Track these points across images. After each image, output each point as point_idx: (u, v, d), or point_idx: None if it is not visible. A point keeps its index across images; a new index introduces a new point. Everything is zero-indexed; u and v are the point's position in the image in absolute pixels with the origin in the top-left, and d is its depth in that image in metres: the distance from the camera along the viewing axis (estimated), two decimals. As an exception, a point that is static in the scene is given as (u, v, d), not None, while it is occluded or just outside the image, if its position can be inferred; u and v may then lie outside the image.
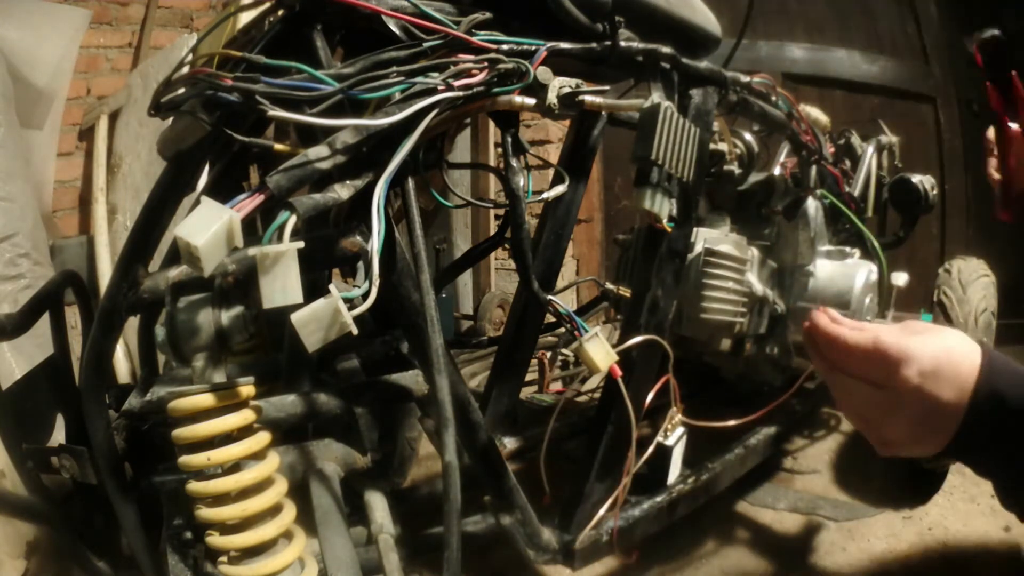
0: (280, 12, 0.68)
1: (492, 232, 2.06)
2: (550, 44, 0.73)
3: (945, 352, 0.49)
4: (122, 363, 1.92)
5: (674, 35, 0.92)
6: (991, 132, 0.86)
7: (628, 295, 1.07)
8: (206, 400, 0.55)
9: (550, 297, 0.78)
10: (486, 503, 0.85)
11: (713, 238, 1.14)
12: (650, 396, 0.90)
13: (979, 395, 0.49)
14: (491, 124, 2.51)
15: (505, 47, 0.70)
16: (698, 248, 1.11)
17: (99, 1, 2.23)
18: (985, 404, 0.49)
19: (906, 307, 1.31)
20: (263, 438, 0.59)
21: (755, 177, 1.33)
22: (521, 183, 0.76)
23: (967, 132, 2.58)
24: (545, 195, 0.87)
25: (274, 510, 0.59)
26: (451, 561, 0.58)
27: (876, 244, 1.46)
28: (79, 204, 2.25)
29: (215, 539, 0.57)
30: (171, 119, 0.70)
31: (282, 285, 0.51)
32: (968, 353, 0.50)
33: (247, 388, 0.58)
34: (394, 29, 0.66)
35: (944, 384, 0.49)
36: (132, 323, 0.78)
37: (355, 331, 0.53)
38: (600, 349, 0.75)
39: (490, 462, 0.79)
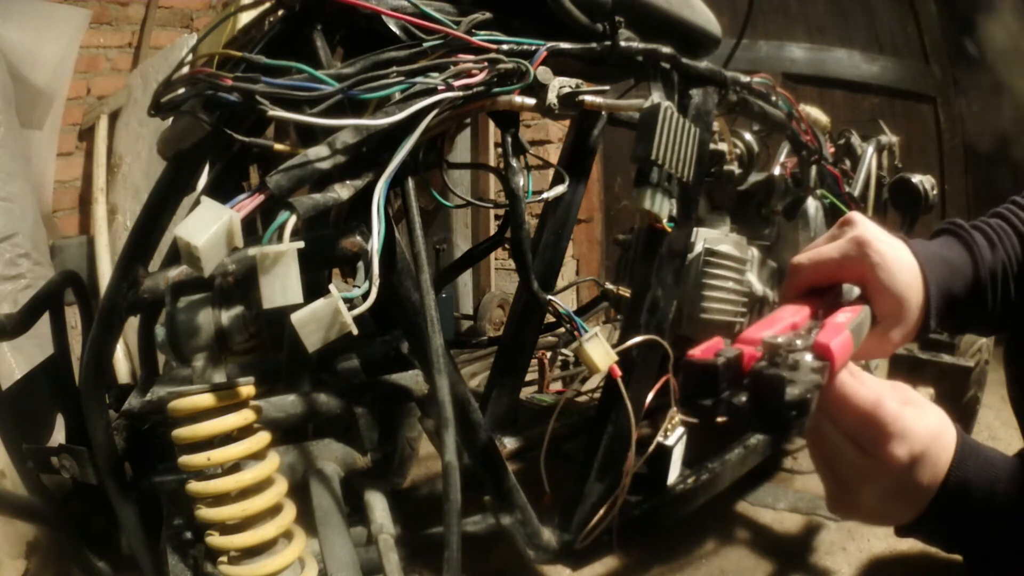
0: (280, 12, 0.68)
1: (492, 232, 2.06)
2: (550, 44, 0.73)
3: (932, 437, 0.47)
4: (122, 363, 1.92)
5: (674, 35, 0.92)
6: None
7: (628, 295, 1.07)
8: (206, 400, 0.55)
9: (550, 297, 0.78)
10: (486, 503, 0.85)
11: (713, 238, 1.14)
12: (650, 396, 0.90)
13: (948, 484, 0.48)
14: (491, 124, 2.51)
15: (505, 47, 0.70)
16: (698, 248, 1.11)
17: (99, 1, 2.23)
18: (953, 492, 0.48)
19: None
20: (263, 438, 0.59)
21: (755, 177, 1.33)
22: (521, 183, 0.76)
23: (967, 132, 2.58)
24: (545, 195, 0.87)
25: (274, 510, 0.59)
26: (451, 561, 0.58)
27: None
28: (79, 204, 2.25)
29: (215, 539, 0.57)
30: (171, 119, 0.70)
31: (282, 285, 0.51)
32: (948, 441, 0.49)
33: (247, 388, 0.58)
34: (394, 29, 0.66)
35: (925, 469, 0.47)
36: (132, 323, 0.78)
37: (355, 331, 0.53)
38: (600, 349, 0.75)
39: (490, 462, 0.79)
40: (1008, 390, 0.72)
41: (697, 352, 0.38)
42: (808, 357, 0.39)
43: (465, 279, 2.71)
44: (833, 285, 0.59)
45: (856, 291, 0.59)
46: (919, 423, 0.47)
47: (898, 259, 0.57)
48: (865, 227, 0.58)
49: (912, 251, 0.59)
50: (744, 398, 0.36)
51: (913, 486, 0.48)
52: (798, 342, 0.41)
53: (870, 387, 0.47)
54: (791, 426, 0.36)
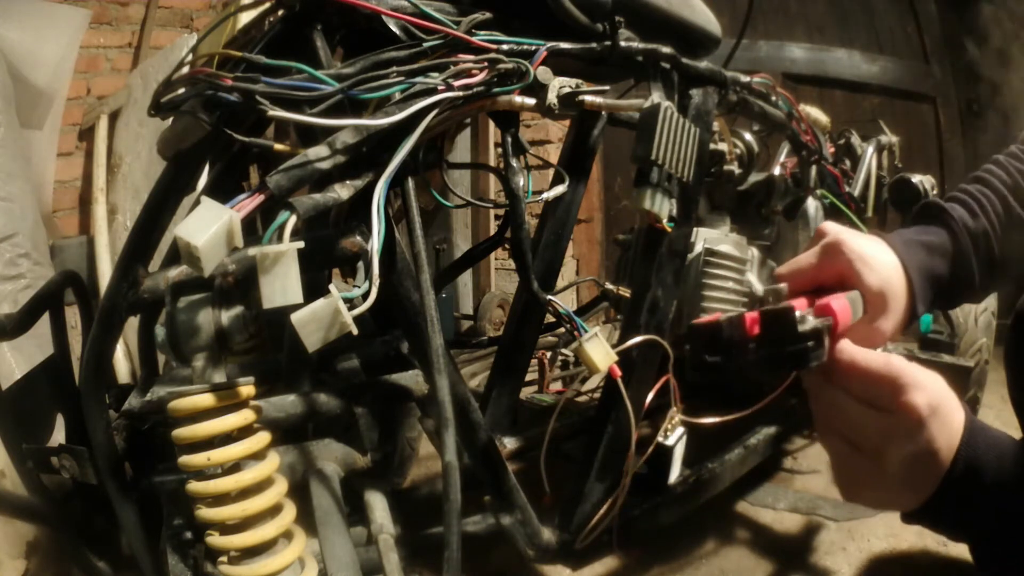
0: (280, 12, 0.68)
1: (492, 232, 2.06)
2: (550, 44, 0.73)
3: (945, 391, 0.47)
4: (122, 363, 1.92)
5: (674, 35, 0.92)
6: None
7: (628, 295, 1.07)
8: (206, 400, 0.55)
9: (550, 297, 0.78)
10: (486, 503, 0.85)
11: (713, 238, 1.14)
12: (650, 396, 0.90)
13: (958, 462, 0.48)
14: (491, 124, 2.51)
15: (505, 47, 0.70)
16: (698, 248, 1.11)
17: (99, 1, 2.23)
18: (963, 471, 0.48)
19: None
20: (263, 438, 0.59)
21: (755, 177, 1.33)
22: (521, 183, 0.76)
23: (967, 132, 2.59)
24: (545, 195, 0.87)
25: (274, 510, 0.59)
26: (451, 561, 0.58)
27: (876, 244, 1.46)
28: (79, 204, 2.25)
29: (215, 539, 0.57)
30: (171, 119, 0.70)
31: (282, 285, 0.51)
32: (958, 406, 0.48)
33: (247, 388, 0.58)
34: (394, 29, 0.66)
35: (943, 425, 0.47)
36: (132, 323, 0.78)
37: (355, 331, 0.53)
38: (600, 349, 0.75)
39: (490, 462, 0.79)
40: (1009, 390, 0.72)
41: (699, 320, 0.41)
42: (810, 317, 0.41)
43: (465, 279, 2.71)
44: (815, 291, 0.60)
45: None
46: (929, 377, 0.47)
47: (873, 254, 0.59)
48: (837, 231, 0.60)
49: (888, 244, 0.61)
50: (752, 346, 0.37)
51: (931, 447, 0.47)
52: (798, 313, 0.42)
53: (876, 351, 0.48)
54: (809, 358, 0.37)
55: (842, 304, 0.46)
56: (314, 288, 0.55)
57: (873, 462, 0.48)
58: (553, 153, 2.58)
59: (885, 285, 0.58)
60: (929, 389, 0.47)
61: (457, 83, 0.65)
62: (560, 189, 0.86)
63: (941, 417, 0.47)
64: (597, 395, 1.43)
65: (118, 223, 2.14)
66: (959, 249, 0.63)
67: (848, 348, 0.48)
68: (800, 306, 0.51)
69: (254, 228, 0.65)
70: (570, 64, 0.79)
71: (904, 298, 0.60)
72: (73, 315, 0.95)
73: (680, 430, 0.96)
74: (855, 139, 1.61)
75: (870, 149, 1.59)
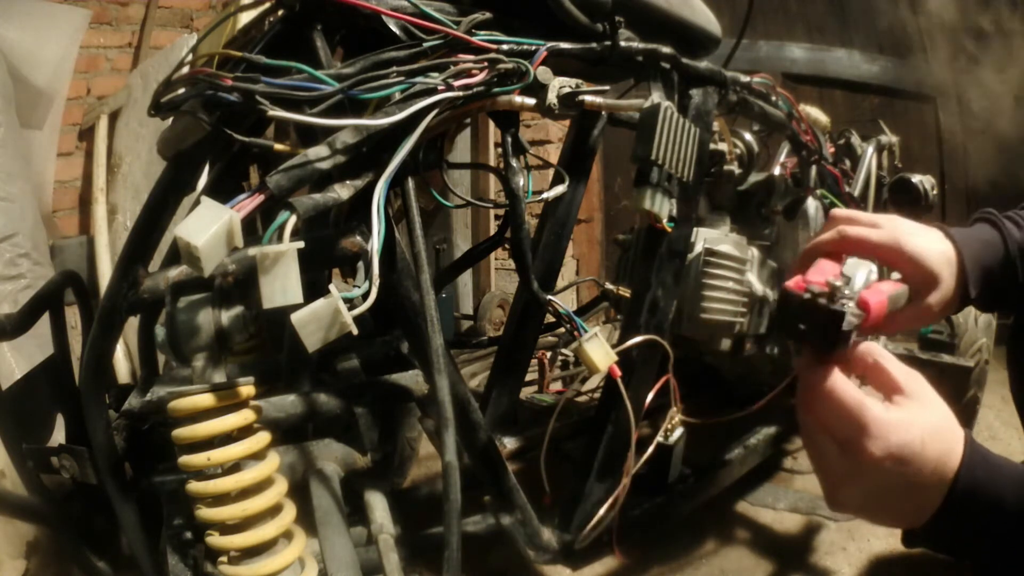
0: (280, 12, 0.68)
1: (492, 232, 2.06)
2: (550, 44, 0.73)
3: (922, 436, 0.46)
4: (122, 363, 1.92)
5: (674, 35, 0.92)
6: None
7: (628, 295, 1.07)
8: (206, 400, 0.55)
9: (550, 297, 0.78)
10: (486, 503, 0.85)
11: (713, 238, 1.14)
12: (650, 396, 0.90)
13: (957, 489, 0.47)
14: (491, 124, 2.51)
15: (505, 47, 0.70)
16: (698, 248, 1.11)
17: (99, 1, 2.23)
18: (961, 498, 0.47)
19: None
20: (263, 438, 0.59)
21: (755, 177, 1.33)
22: (521, 183, 0.76)
23: (967, 132, 2.58)
24: (545, 195, 0.87)
25: (274, 510, 0.59)
26: (451, 561, 0.58)
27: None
28: (79, 204, 2.25)
29: (215, 539, 0.57)
30: (171, 119, 0.70)
31: (282, 285, 0.51)
32: (947, 444, 0.48)
33: (247, 388, 0.58)
34: (394, 29, 0.66)
35: (913, 469, 0.46)
36: (132, 323, 0.78)
37: (355, 331, 0.53)
38: (599, 349, 0.75)
39: (490, 462, 0.79)
40: (1011, 389, 0.72)
41: (791, 284, 0.51)
42: (851, 304, 0.49)
43: (465, 279, 2.71)
44: None
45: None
46: (905, 423, 0.47)
47: (928, 241, 0.64)
48: (898, 222, 0.65)
49: (945, 235, 0.67)
50: (806, 325, 0.50)
51: (900, 487, 0.47)
52: (847, 291, 0.50)
53: (858, 392, 0.49)
54: (842, 346, 0.49)
55: (879, 303, 0.52)
56: (314, 288, 0.55)
57: (836, 492, 0.51)
58: (553, 153, 2.58)
59: (937, 269, 0.63)
60: (892, 438, 0.46)
61: (457, 83, 0.65)
62: (560, 189, 0.86)
63: (911, 462, 0.46)
64: (597, 395, 1.43)
65: (118, 223, 2.14)
66: (1008, 251, 0.68)
67: (833, 381, 0.49)
68: (837, 273, 0.57)
69: (254, 228, 0.65)
70: (570, 64, 0.80)
71: (954, 281, 0.64)
72: (73, 315, 0.95)
73: (680, 430, 0.96)
74: (855, 139, 1.60)
75: (870, 149, 1.59)
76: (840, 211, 0.67)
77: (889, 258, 0.64)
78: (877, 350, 0.51)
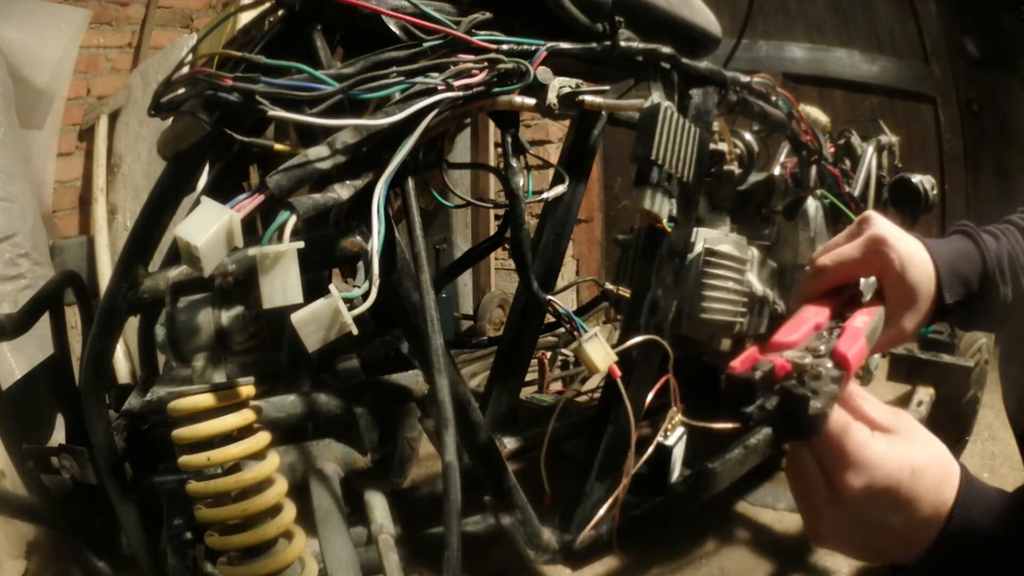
0: (280, 12, 0.68)
1: (492, 232, 2.06)
2: (550, 44, 0.73)
3: (909, 472, 0.45)
4: (122, 363, 1.92)
5: (674, 35, 0.92)
6: None
7: (628, 295, 1.07)
8: (206, 400, 0.55)
9: (550, 297, 0.78)
10: (486, 503, 0.85)
11: (713, 238, 1.14)
12: (650, 396, 0.90)
13: (951, 527, 0.46)
14: (491, 124, 2.51)
15: (505, 47, 0.70)
16: (698, 248, 1.11)
17: (99, 1, 2.23)
18: (956, 536, 0.46)
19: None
20: (263, 438, 0.59)
21: (755, 177, 1.33)
22: (521, 183, 0.76)
23: (967, 132, 2.58)
24: (545, 195, 0.87)
25: (274, 510, 0.59)
26: (451, 561, 0.58)
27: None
28: (79, 204, 2.25)
29: (215, 539, 0.57)
30: (171, 119, 0.70)
31: (282, 285, 0.51)
32: (936, 481, 0.46)
33: (247, 388, 0.58)
34: (394, 29, 0.66)
35: (898, 505, 0.45)
36: (132, 323, 0.78)
37: (355, 331, 0.53)
38: (599, 349, 0.75)
39: (490, 462, 0.79)
40: (1005, 404, 0.72)
41: (737, 364, 0.44)
42: (828, 364, 0.44)
43: (465, 279, 2.71)
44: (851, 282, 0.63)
45: (872, 281, 0.63)
46: (888, 456, 0.45)
47: (911, 253, 0.62)
48: (882, 225, 0.63)
49: (923, 244, 0.64)
50: (774, 403, 0.42)
51: (881, 521, 0.46)
52: (821, 347, 0.46)
53: (855, 406, 0.47)
54: (811, 434, 0.42)
55: (859, 350, 0.47)
56: (314, 288, 0.55)
57: (816, 521, 0.48)
58: (553, 153, 2.58)
59: (917, 285, 0.61)
60: (874, 471, 0.44)
61: (457, 83, 0.65)
62: (560, 189, 0.86)
63: (893, 497, 0.45)
64: (597, 395, 1.43)
65: (118, 223, 2.14)
66: (985, 263, 0.66)
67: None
68: (824, 318, 0.54)
69: (254, 228, 0.65)
70: (570, 64, 0.80)
71: (930, 297, 0.63)
72: (73, 315, 0.95)
73: (680, 430, 0.96)
74: (855, 139, 1.60)
75: (870, 149, 1.59)
76: (817, 253, 0.65)
77: (872, 268, 0.61)
78: (859, 392, 0.48)
